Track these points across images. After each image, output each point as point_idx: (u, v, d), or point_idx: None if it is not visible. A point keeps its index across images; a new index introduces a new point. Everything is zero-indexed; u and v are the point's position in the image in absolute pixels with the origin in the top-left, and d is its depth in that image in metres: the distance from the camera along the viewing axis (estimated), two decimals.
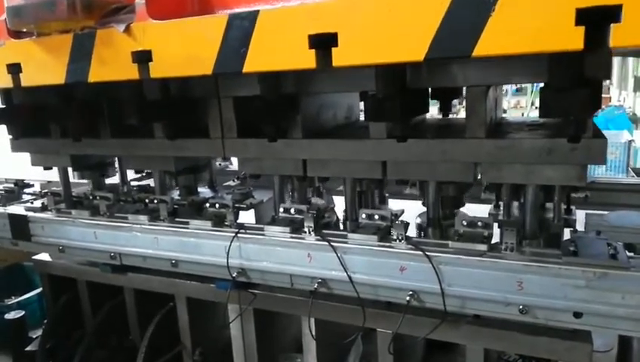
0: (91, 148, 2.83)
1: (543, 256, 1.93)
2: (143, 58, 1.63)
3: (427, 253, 2.00)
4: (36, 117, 2.83)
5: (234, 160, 4.10)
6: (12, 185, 3.43)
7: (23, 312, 3.79)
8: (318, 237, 2.25)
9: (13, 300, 4.24)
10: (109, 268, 2.88)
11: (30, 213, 3.02)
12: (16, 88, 2.75)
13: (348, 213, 2.47)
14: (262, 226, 2.42)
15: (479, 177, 2.10)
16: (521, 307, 1.91)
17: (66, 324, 3.34)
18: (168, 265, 2.64)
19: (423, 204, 2.39)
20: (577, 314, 1.85)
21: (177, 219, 2.66)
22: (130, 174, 3.68)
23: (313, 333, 2.39)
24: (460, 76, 1.96)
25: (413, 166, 2.15)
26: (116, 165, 3.39)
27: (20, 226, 3.01)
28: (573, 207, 2.47)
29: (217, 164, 3.77)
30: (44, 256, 3.27)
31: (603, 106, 15.95)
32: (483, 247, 1.98)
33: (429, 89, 2.21)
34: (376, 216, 2.26)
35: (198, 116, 2.52)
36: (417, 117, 2.44)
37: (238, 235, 2.37)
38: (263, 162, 2.48)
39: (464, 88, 2.07)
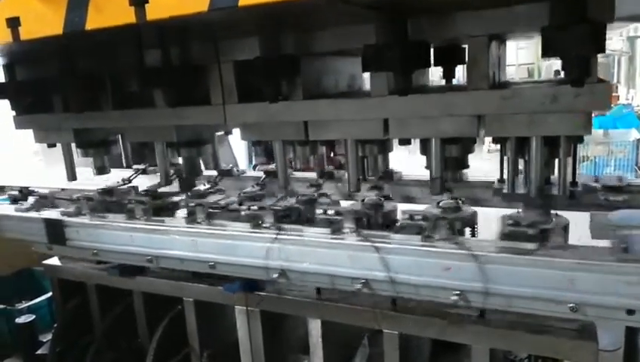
0: (93, 120, 2.83)
1: (593, 253, 1.89)
2: (139, 0, 1.62)
3: (473, 252, 1.95)
4: (38, 91, 2.84)
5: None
6: (16, 193, 3.46)
7: (34, 316, 3.83)
8: (360, 238, 2.20)
9: (24, 304, 4.30)
10: (117, 271, 2.92)
11: (66, 218, 2.99)
12: (19, 63, 2.84)
13: (350, 181, 2.44)
14: (301, 227, 2.38)
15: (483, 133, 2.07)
16: (572, 305, 1.85)
17: (75, 328, 3.36)
18: (206, 268, 2.60)
19: (427, 167, 2.36)
20: (630, 312, 1.79)
21: (215, 222, 2.64)
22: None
23: (320, 335, 2.40)
24: (462, 26, 1.94)
25: (415, 123, 2.13)
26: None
27: (55, 231, 3.01)
28: (578, 181, 2.45)
29: (235, 170, 3.75)
30: (53, 261, 3.31)
31: (611, 105, 15.86)
32: (531, 246, 1.93)
33: (431, 46, 2.18)
34: (417, 216, 2.23)
35: (199, 84, 2.51)
36: (419, 80, 2.42)
37: (278, 237, 2.34)
38: (264, 127, 2.46)
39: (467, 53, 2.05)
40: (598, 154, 12.82)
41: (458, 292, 2.01)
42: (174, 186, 3.33)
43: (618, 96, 17.48)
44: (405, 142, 2.33)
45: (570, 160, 2.18)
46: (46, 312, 4.21)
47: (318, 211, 2.53)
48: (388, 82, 2.10)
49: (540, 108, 1.87)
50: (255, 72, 2.23)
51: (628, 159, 11.87)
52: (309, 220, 2.52)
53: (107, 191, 3.14)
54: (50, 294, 3.98)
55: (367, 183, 2.74)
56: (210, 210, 2.71)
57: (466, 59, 2.04)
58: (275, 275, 2.37)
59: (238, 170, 3.50)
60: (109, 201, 3.05)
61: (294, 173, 3.26)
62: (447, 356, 2.56)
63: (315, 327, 2.48)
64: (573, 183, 2.32)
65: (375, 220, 2.43)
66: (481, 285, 1.95)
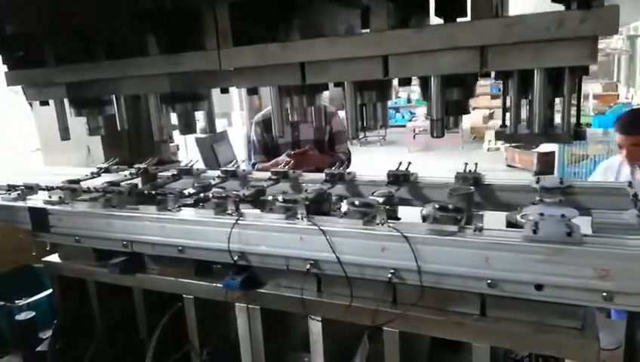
0: (87, 72, 2.76)
1: (507, 235, 2.07)
2: None
3: (404, 233, 2.13)
4: (28, 43, 2.78)
5: None
6: None
7: (34, 313, 3.76)
8: (310, 223, 2.37)
9: (24, 301, 4.20)
10: (118, 269, 2.96)
11: (49, 206, 3.11)
12: (8, 15, 2.78)
13: (350, 129, 2.38)
14: (259, 213, 2.58)
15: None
16: (489, 281, 2.02)
17: (75, 325, 3.34)
18: (175, 252, 2.75)
19: (427, 116, 2.30)
20: (538, 287, 1.95)
21: (184, 209, 2.80)
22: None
23: (320, 332, 2.44)
24: None
25: (416, 59, 2.06)
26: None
27: (39, 218, 3.07)
28: (582, 123, 2.39)
29: (195, 168, 3.86)
30: (54, 258, 3.33)
31: (611, 103, 15.86)
32: (454, 228, 2.11)
33: None
34: (357, 203, 2.45)
35: (193, 31, 2.45)
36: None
37: (238, 222, 2.50)
38: (260, 72, 2.39)
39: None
40: (597, 153, 12.81)
41: (393, 270, 2.19)
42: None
43: (618, 95, 17.49)
44: (405, 82, 2.28)
45: (574, 97, 2.13)
46: (46, 309, 4.11)
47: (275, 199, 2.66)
48: (387, 18, 2.05)
49: (546, 35, 1.80)
50: (250, 11, 2.17)
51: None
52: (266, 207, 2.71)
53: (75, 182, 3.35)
54: (50, 291, 3.94)
55: None
56: (180, 199, 2.91)
57: None
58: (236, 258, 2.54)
59: (198, 169, 3.74)
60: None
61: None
62: (448, 354, 2.54)
63: (315, 325, 2.48)
64: (578, 123, 2.26)
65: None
66: (413, 264, 2.12)
